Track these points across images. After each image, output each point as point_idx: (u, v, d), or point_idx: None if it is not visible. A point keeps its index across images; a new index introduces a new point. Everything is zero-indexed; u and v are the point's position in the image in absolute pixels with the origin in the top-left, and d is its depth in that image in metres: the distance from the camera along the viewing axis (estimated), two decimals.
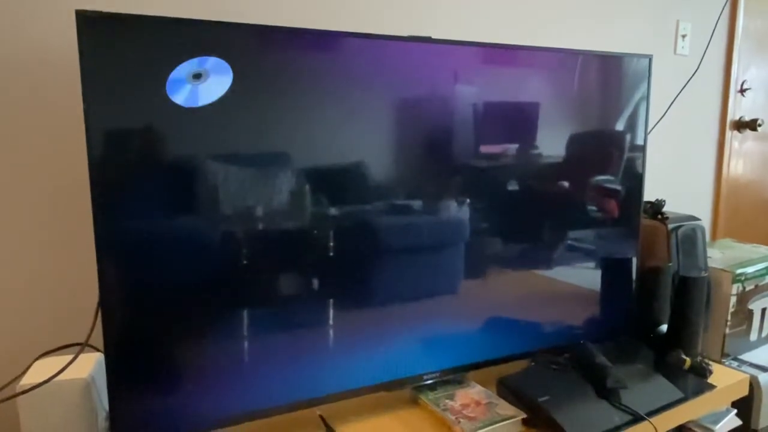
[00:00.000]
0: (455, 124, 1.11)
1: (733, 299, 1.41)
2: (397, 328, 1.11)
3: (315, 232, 1.00)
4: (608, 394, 1.13)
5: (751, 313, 1.46)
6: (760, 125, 2.26)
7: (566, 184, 1.28)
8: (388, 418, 1.11)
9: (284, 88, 0.94)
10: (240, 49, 0.90)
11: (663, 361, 1.28)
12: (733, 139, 2.28)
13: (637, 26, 1.86)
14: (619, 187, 1.35)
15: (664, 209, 1.45)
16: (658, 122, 1.91)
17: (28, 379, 0.86)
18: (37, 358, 0.95)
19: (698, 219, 1.45)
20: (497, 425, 1.04)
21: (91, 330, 0.89)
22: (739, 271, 1.41)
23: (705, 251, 1.45)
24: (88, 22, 0.80)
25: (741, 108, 2.28)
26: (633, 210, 1.39)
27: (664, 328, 1.36)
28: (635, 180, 1.37)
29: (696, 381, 1.27)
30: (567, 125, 1.26)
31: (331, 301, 1.04)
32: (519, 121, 1.20)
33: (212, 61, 0.88)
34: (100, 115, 0.82)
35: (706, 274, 1.34)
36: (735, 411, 1.34)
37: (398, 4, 1.37)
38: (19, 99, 1.00)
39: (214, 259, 0.93)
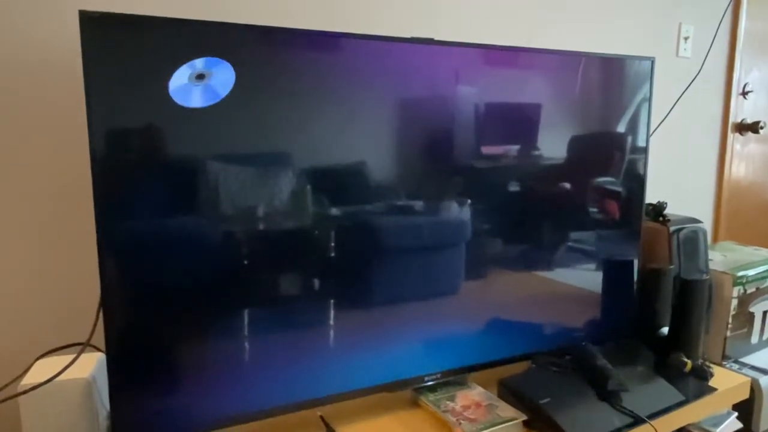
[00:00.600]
0: (457, 126, 1.11)
1: (734, 302, 1.41)
2: (397, 329, 1.11)
3: (316, 232, 1.00)
4: (609, 396, 1.13)
5: (752, 315, 1.46)
6: (762, 128, 2.26)
7: (568, 185, 1.28)
8: (388, 419, 1.11)
9: (287, 88, 0.94)
10: (243, 50, 0.90)
11: (664, 363, 1.28)
12: (735, 141, 2.28)
13: (640, 28, 1.86)
14: (620, 189, 1.35)
15: (666, 211, 1.45)
16: (660, 124, 1.91)
17: (30, 379, 0.87)
18: (38, 358, 0.95)
19: (700, 221, 1.45)
20: (498, 427, 1.04)
21: (93, 330, 0.89)
22: (740, 273, 1.41)
23: (706, 254, 1.45)
24: (91, 22, 0.80)
25: (743, 110, 2.28)
26: (634, 212, 1.38)
27: (665, 330, 1.36)
28: (637, 182, 1.37)
29: (697, 383, 1.26)
30: (569, 127, 1.26)
31: (332, 301, 1.04)
32: (521, 123, 1.20)
33: (215, 62, 0.88)
34: (103, 115, 0.82)
35: (707, 277, 1.34)
36: (736, 414, 1.34)
37: (401, 6, 1.37)
38: (21, 99, 1.00)
39: (216, 259, 0.93)
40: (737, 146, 2.29)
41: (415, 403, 1.16)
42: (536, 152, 1.22)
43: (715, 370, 1.31)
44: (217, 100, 0.89)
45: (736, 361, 1.44)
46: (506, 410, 1.09)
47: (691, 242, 1.42)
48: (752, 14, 2.18)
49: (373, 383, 1.10)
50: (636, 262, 1.40)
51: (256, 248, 0.95)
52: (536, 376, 1.20)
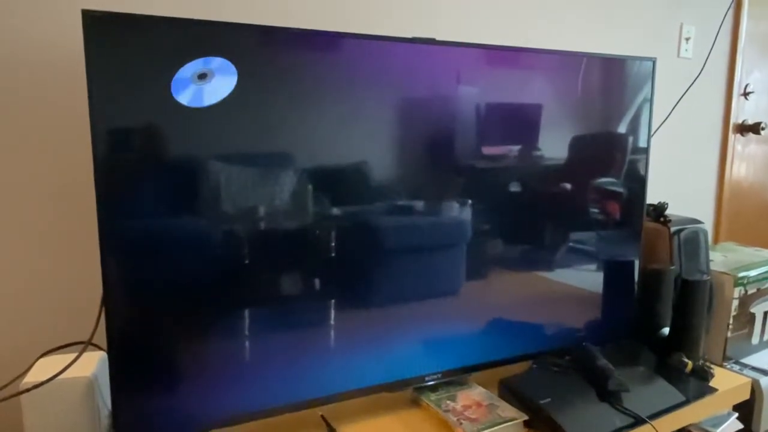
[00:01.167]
0: (458, 126, 1.11)
1: (735, 303, 1.41)
2: (398, 329, 1.11)
3: (318, 232, 1.00)
4: (610, 396, 1.13)
5: (752, 316, 1.46)
6: (763, 129, 2.26)
7: (569, 186, 1.28)
8: (389, 418, 1.12)
9: (289, 88, 0.94)
10: (245, 50, 0.90)
11: (665, 364, 1.28)
12: (736, 142, 2.28)
13: (641, 29, 1.86)
14: (621, 190, 1.35)
15: (667, 212, 1.45)
16: (661, 125, 1.91)
17: (31, 378, 0.87)
18: (40, 357, 0.96)
19: (701, 222, 1.45)
20: (499, 427, 1.04)
21: (95, 329, 0.89)
22: (741, 274, 1.41)
23: (707, 254, 1.45)
24: (94, 22, 0.80)
25: (744, 111, 2.28)
26: (636, 212, 1.38)
27: (665, 331, 1.36)
28: (638, 182, 1.37)
29: (697, 384, 1.26)
30: (570, 127, 1.26)
31: (333, 301, 1.04)
32: (522, 123, 1.20)
33: (217, 62, 0.88)
34: (105, 114, 0.82)
35: (708, 278, 1.34)
36: (736, 414, 1.34)
37: (402, 6, 1.37)
38: (22, 99, 1.01)
39: (218, 259, 0.93)
40: (738, 147, 2.29)
41: (416, 403, 1.17)
42: (537, 153, 1.22)
43: (716, 370, 1.30)
44: (220, 99, 0.89)
45: (736, 362, 1.44)
46: (507, 410, 1.09)
47: (692, 243, 1.42)
48: (753, 15, 2.18)
49: (374, 383, 1.10)
50: (637, 263, 1.40)
51: (258, 248, 0.96)
52: (537, 377, 1.20)
